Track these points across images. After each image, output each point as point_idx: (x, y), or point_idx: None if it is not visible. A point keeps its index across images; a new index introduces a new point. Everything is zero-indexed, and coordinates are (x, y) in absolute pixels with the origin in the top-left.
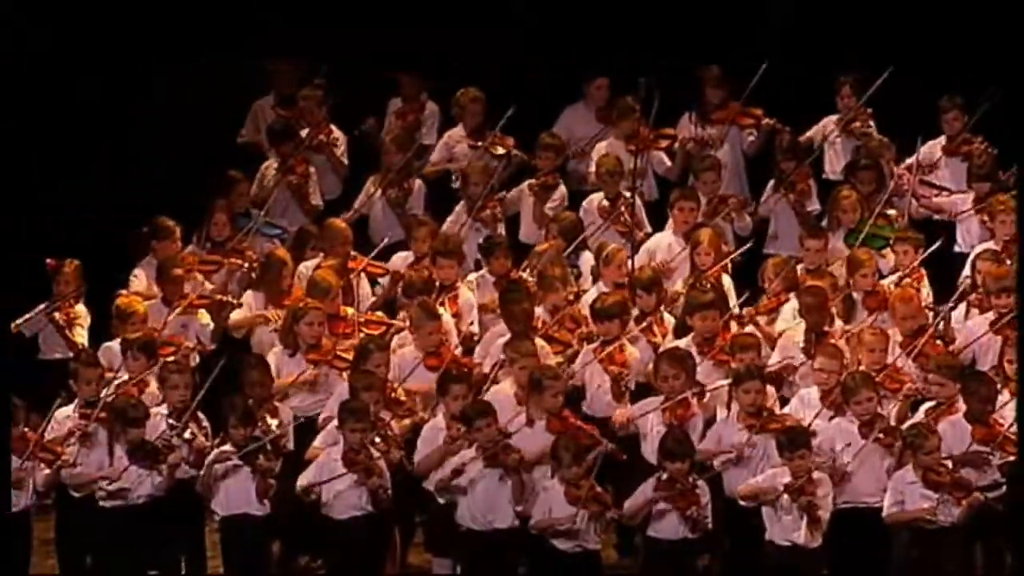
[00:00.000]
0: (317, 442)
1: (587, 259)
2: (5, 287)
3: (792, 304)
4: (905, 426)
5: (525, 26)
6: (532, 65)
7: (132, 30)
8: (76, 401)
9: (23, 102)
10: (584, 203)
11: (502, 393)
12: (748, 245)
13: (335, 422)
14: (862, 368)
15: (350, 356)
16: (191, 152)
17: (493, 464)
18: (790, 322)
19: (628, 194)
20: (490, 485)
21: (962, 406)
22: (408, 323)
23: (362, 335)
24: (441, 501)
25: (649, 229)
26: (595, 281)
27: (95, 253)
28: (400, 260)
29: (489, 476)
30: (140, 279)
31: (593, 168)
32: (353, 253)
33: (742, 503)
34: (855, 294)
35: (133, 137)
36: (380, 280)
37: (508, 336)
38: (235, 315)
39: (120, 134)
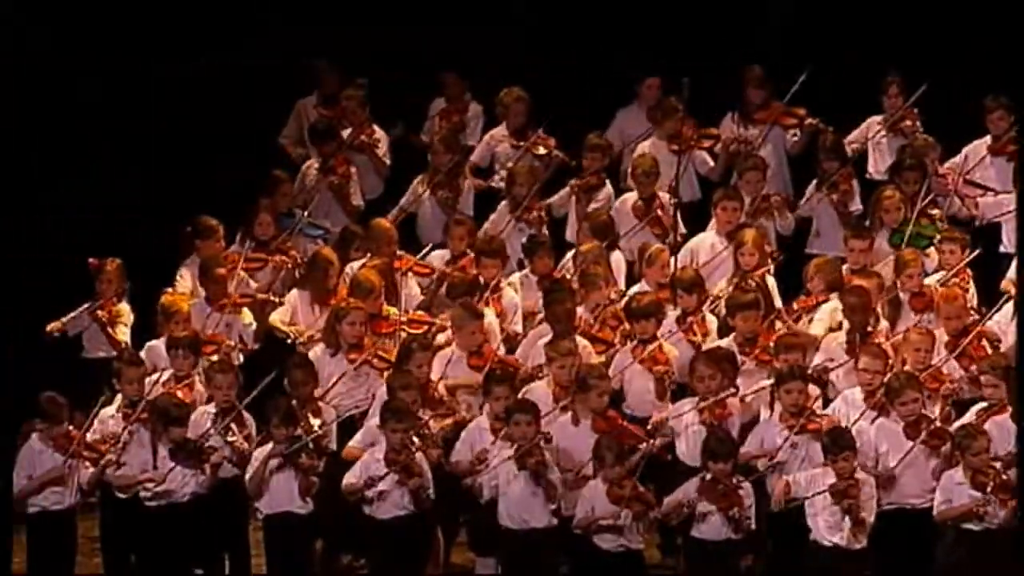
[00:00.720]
0: (354, 441)
1: (617, 259)
2: (47, 287)
3: (830, 304)
4: (954, 426)
5: (525, 26)
6: (532, 65)
7: (133, 30)
8: (119, 400)
9: (27, 102)
10: (617, 203)
11: (539, 391)
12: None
13: (372, 421)
14: (907, 368)
15: (390, 356)
16: (234, 152)
17: (521, 464)
18: (826, 322)
19: (666, 194)
20: (524, 485)
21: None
22: (451, 323)
23: (404, 334)
24: (482, 501)
25: (684, 230)
26: (628, 281)
27: (139, 252)
28: (438, 259)
29: (524, 476)
30: (186, 279)
31: (629, 168)
32: (400, 253)
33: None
34: (902, 294)
35: (175, 136)
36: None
37: (550, 336)
38: (275, 315)
39: (160, 132)
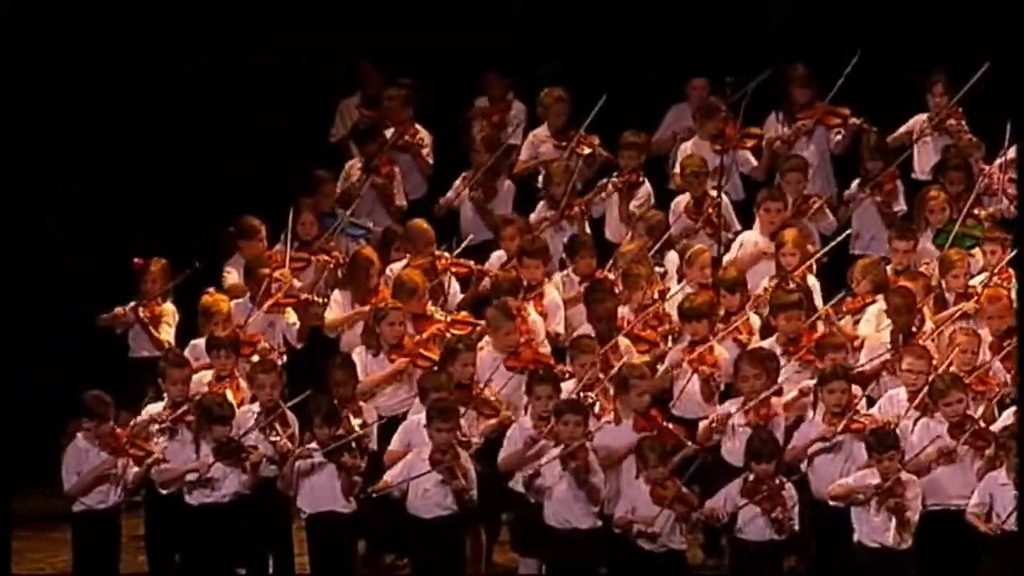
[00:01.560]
0: (393, 444)
1: (672, 259)
2: (97, 286)
3: (877, 306)
4: (996, 427)
5: (526, 26)
6: (531, 65)
7: (133, 30)
8: (165, 400)
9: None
10: (672, 204)
11: (567, 389)
12: (839, 239)
13: (413, 419)
14: (952, 369)
15: (432, 355)
16: (278, 151)
17: (564, 465)
18: (874, 324)
19: (715, 194)
20: (568, 486)
21: None
22: (486, 324)
23: (449, 335)
24: (533, 499)
25: (738, 227)
26: (680, 281)
27: (186, 251)
28: (496, 259)
29: (568, 477)
30: (232, 274)
31: (677, 169)
32: (437, 252)
33: (832, 503)
34: (947, 295)
35: (223, 135)
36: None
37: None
38: (329, 314)
39: (209, 131)
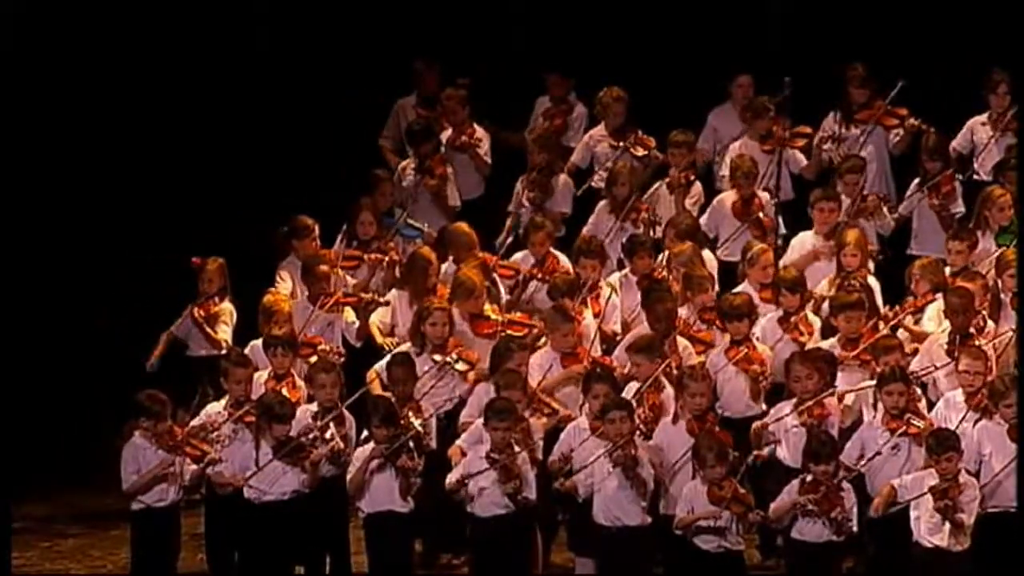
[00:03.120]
0: (460, 440)
1: (709, 259)
2: (156, 286)
3: (936, 305)
4: None
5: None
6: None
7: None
8: (226, 399)
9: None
10: (714, 202)
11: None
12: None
13: (479, 421)
14: (1013, 370)
15: (471, 357)
16: (335, 150)
17: (613, 461)
18: (936, 322)
19: (766, 195)
20: (618, 483)
21: None
22: (544, 325)
23: (504, 335)
24: (579, 499)
25: (784, 231)
26: (719, 280)
27: (244, 252)
28: (520, 259)
29: (618, 474)
30: (286, 280)
31: (726, 170)
32: (481, 254)
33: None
34: (1003, 295)
35: (278, 134)
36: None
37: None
38: (373, 318)
39: (260, 132)
